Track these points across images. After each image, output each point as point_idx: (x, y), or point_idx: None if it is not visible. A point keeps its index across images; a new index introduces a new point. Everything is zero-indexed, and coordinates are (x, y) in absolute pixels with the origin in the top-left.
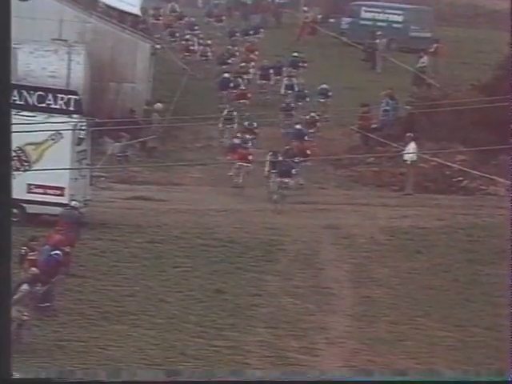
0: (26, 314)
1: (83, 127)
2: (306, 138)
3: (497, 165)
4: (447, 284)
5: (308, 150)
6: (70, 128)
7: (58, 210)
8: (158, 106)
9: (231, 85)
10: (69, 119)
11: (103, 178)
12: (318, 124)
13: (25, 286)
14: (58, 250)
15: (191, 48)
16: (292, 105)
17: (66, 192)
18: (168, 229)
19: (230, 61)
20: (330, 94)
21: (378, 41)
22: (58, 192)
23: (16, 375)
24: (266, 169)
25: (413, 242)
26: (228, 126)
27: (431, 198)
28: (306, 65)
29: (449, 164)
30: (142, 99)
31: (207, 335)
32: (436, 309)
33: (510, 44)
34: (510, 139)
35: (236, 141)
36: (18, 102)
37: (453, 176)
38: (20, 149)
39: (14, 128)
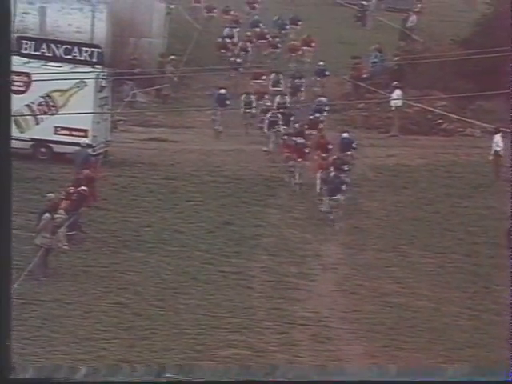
0: (51, 239)
1: (105, 76)
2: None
3: (473, 109)
4: (429, 215)
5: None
6: (93, 77)
7: (81, 150)
8: (172, 58)
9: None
10: (92, 69)
11: (122, 122)
12: (321, 125)
13: (47, 215)
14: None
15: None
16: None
17: (90, 133)
18: (181, 167)
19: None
20: (327, 73)
21: (368, 2)
22: (82, 134)
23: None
24: (318, 186)
25: (398, 178)
26: (274, 130)
27: (414, 138)
28: (329, 73)
29: (430, 109)
30: (157, 52)
31: (216, 262)
32: (419, 238)
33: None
34: (485, 87)
35: (299, 140)
36: (46, 54)
37: (434, 119)
38: (48, 95)
39: (42, 77)
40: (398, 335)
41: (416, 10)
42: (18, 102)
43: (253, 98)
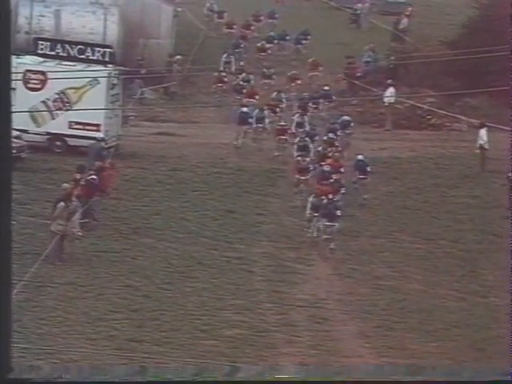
0: (66, 226)
1: (116, 75)
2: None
3: (460, 106)
4: (418, 204)
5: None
6: (105, 75)
7: (94, 144)
8: (179, 58)
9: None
10: (104, 68)
11: (133, 117)
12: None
13: (61, 203)
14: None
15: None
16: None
17: (102, 128)
18: (187, 159)
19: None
20: (333, 97)
21: (362, 5)
22: (95, 128)
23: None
24: (308, 211)
25: (390, 170)
26: (302, 154)
27: (405, 133)
28: (335, 98)
29: (420, 105)
30: (165, 52)
31: (220, 247)
32: (409, 225)
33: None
34: (471, 85)
35: (326, 168)
36: (61, 54)
37: (423, 115)
38: (62, 92)
39: (57, 75)
40: (389, 316)
41: (407, 13)
42: (34, 99)
43: (266, 112)
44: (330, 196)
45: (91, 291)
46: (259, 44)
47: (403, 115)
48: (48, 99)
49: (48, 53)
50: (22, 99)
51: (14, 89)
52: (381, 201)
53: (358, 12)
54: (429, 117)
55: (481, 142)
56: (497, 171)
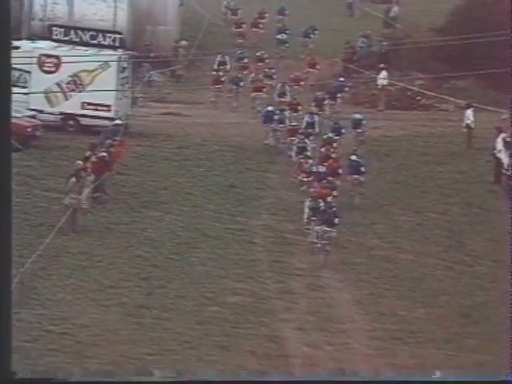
0: (78, 200)
1: (126, 59)
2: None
3: (448, 88)
4: (408, 179)
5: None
6: (116, 59)
7: (105, 123)
8: (184, 43)
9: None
10: (114, 53)
11: (141, 98)
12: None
13: (73, 179)
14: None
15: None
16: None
17: (113, 108)
18: (192, 138)
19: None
20: (339, 95)
21: None
22: (106, 108)
23: None
24: (305, 215)
25: (382, 147)
26: (301, 156)
27: (396, 113)
28: (347, 89)
29: (410, 87)
30: (171, 38)
31: (223, 220)
32: (399, 199)
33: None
34: (458, 68)
35: (321, 169)
36: (74, 39)
37: (413, 96)
38: (75, 75)
39: (70, 59)
40: (381, 284)
41: (397, 1)
42: (49, 81)
43: (286, 113)
44: (329, 199)
45: (103, 261)
46: (258, 53)
47: (394, 96)
48: (62, 81)
49: (62, 38)
50: (37, 81)
51: (29, 72)
52: (373, 176)
53: (351, 1)
54: (418, 98)
55: (467, 121)
56: (482, 148)
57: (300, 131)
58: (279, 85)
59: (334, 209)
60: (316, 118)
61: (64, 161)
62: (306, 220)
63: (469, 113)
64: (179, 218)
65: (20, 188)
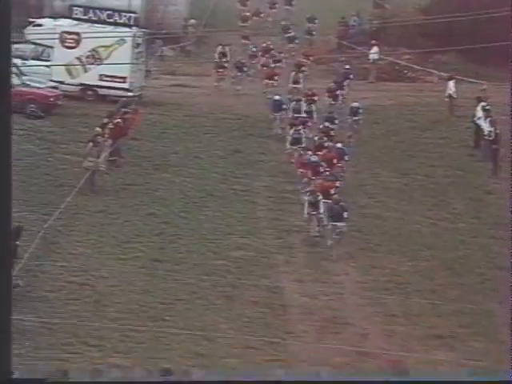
0: (96, 163)
1: (140, 36)
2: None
3: (432, 62)
4: (396, 144)
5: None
6: (131, 36)
7: (121, 93)
8: (193, 22)
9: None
10: (130, 30)
11: (154, 71)
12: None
13: (90, 144)
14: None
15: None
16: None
17: (128, 80)
18: (200, 106)
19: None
20: (351, 76)
21: None
22: (122, 80)
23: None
24: (306, 211)
25: (372, 116)
26: (295, 147)
27: (385, 84)
28: (352, 76)
29: (398, 61)
30: (181, 17)
31: (228, 181)
32: (388, 162)
33: None
34: (441, 44)
35: (313, 158)
36: (93, 18)
37: (401, 70)
38: (94, 50)
39: (89, 35)
40: (372, 240)
41: None
42: (70, 55)
43: (302, 103)
44: (332, 191)
45: (119, 218)
46: (264, 44)
47: (384, 70)
48: (81, 56)
49: (81, 17)
50: (59, 56)
51: (52, 47)
52: (364, 142)
53: None
54: (405, 71)
55: (449, 91)
56: (463, 116)
57: (297, 122)
58: (293, 72)
59: (342, 203)
60: (314, 107)
61: (83, 127)
62: (306, 215)
63: (451, 84)
64: (188, 179)
65: (43, 152)
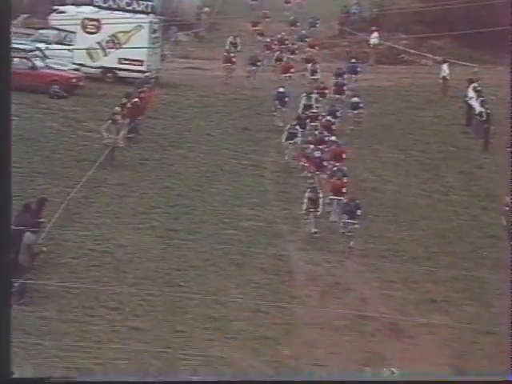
0: (116, 139)
1: (156, 22)
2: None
3: (427, 46)
4: (394, 122)
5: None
6: (148, 22)
7: (138, 75)
8: (206, 9)
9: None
10: (147, 17)
11: (169, 55)
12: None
13: (109, 121)
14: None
15: None
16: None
17: (145, 63)
18: (211, 88)
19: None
20: (359, 69)
21: None
22: (139, 63)
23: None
24: (304, 206)
25: (371, 96)
26: (291, 142)
27: (384, 67)
28: (360, 69)
29: (396, 46)
30: (195, 5)
31: (237, 157)
32: (386, 138)
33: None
34: (436, 30)
35: (316, 154)
36: (112, 6)
37: (398, 54)
38: (113, 35)
39: (109, 21)
40: (371, 211)
41: None
42: (91, 40)
43: (314, 96)
44: (344, 190)
45: (137, 191)
46: (279, 35)
47: (383, 54)
48: (102, 40)
49: (102, 5)
50: (81, 40)
51: (74, 32)
52: (364, 120)
53: None
54: (402, 55)
55: (443, 74)
56: (456, 96)
57: (294, 117)
58: (309, 64)
59: (357, 201)
60: (313, 100)
61: (103, 107)
62: (304, 211)
63: (444, 67)
64: (201, 155)
65: (66, 129)
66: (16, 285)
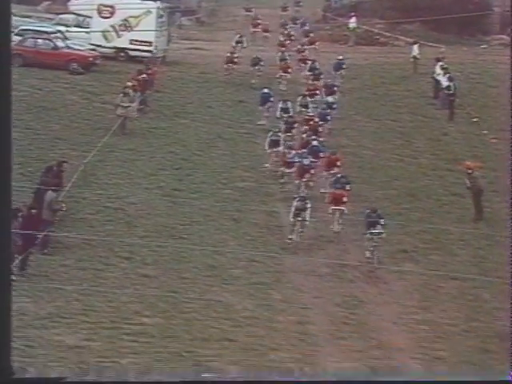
0: (127, 110)
1: (163, 8)
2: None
3: (400, 30)
4: (370, 96)
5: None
6: (155, 8)
7: (147, 54)
8: None
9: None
10: (154, 3)
11: (174, 37)
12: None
13: (122, 95)
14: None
15: None
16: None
17: (153, 44)
18: (212, 65)
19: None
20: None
21: None
22: (148, 44)
23: None
24: (292, 214)
25: (351, 73)
26: (274, 150)
27: (361, 48)
28: (345, 66)
29: (372, 29)
30: None
31: (234, 126)
32: (363, 109)
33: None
34: (408, 16)
35: (306, 161)
36: None
37: (374, 36)
38: (125, 19)
39: (121, 7)
40: (349, 172)
41: None
42: (105, 24)
43: (308, 99)
44: (345, 200)
45: (145, 155)
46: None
47: (361, 36)
48: (115, 24)
49: None
50: (96, 24)
51: (90, 17)
52: (343, 93)
53: None
54: (377, 37)
55: (414, 53)
56: (424, 73)
57: (284, 124)
58: (309, 62)
59: (379, 212)
60: (289, 104)
61: (116, 82)
62: (292, 218)
63: (415, 47)
64: (202, 124)
65: (84, 101)
66: (40, 237)
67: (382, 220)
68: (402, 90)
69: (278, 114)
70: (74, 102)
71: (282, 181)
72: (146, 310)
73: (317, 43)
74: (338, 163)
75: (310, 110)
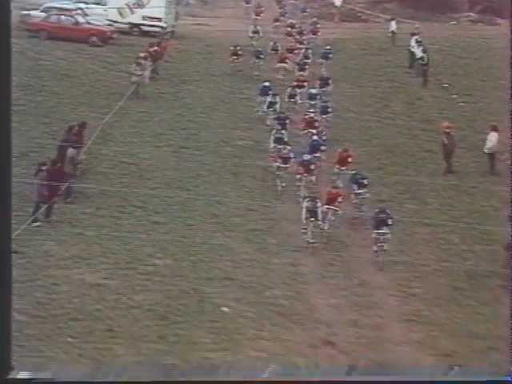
0: (141, 77)
1: None
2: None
3: (380, 8)
4: (353, 66)
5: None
6: None
7: (158, 30)
8: None
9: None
10: None
11: (181, 14)
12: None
13: (134, 65)
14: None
15: None
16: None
17: (163, 20)
18: (215, 39)
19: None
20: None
21: None
22: (159, 20)
23: None
24: (303, 216)
25: (336, 45)
26: (279, 146)
27: (346, 24)
28: (332, 56)
29: (353, 7)
30: None
31: (234, 91)
32: (346, 77)
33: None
34: None
35: (306, 157)
36: None
37: (357, 13)
38: None
39: None
40: (335, 131)
41: None
42: (121, 1)
43: (297, 90)
44: (340, 200)
45: (156, 117)
46: (289, 28)
47: (345, 14)
48: (129, 2)
49: None
50: (113, 2)
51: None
52: (331, 65)
53: None
54: (360, 15)
55: (392, 29)
56: (401, 46)
57: (276, 120)
58: (303, 50)
59: (387, 211)
60: (278, 99)
61: (131, 53)
62: (304, 220)
63: (393, 23)
64: (206, 90)
65: (102, 70)
66: (63, 188)
67: (389, 220)
68: (381, 61)
69: (265, 107)
70: (94, 71)
71: (278, 173)
72: (157, 252)
73: (319, 33)
74: (350, 160)
75: (298, 101)
